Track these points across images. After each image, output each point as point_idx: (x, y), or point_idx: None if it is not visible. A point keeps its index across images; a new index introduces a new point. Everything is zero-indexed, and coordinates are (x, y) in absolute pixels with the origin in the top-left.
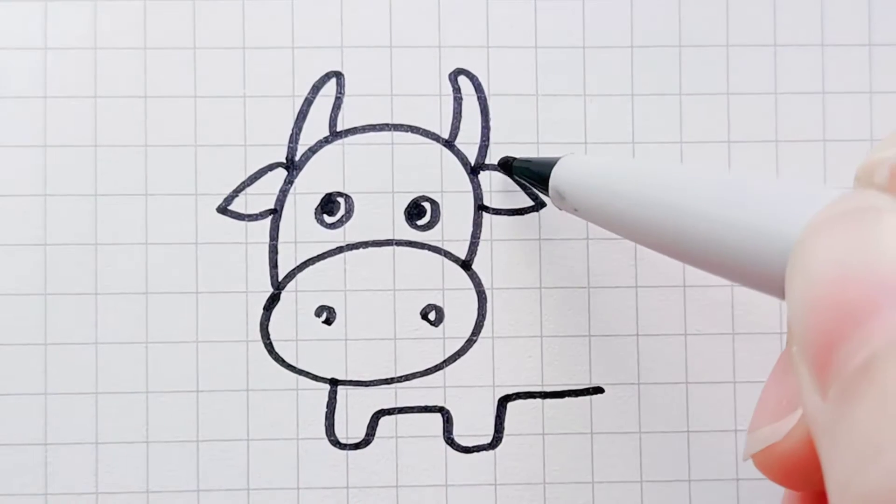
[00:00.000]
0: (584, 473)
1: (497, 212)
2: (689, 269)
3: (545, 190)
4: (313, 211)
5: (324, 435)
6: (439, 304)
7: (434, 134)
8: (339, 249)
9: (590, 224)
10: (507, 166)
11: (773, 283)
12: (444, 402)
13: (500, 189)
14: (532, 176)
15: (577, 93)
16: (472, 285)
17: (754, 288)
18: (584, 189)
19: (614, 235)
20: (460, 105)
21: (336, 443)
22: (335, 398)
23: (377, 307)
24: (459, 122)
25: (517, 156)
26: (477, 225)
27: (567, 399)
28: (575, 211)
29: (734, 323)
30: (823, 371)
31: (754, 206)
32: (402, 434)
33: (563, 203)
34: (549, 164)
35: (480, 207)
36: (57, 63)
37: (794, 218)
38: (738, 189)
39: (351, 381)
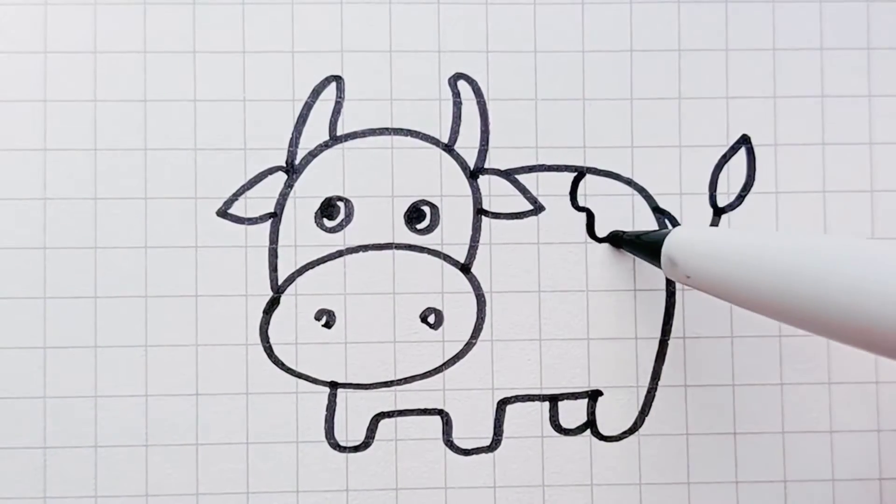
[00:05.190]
0: (582, 476)
1: (496, 216)
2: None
3: (656, 260)
4: (313, 215)
5: (323, 438)
6: (439, 307)
7: (433, 138)
8: (339, 253)
9: (588, 227)
10: (617, 239)
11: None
12: (444, 404)
13: (499, 193)
14: (643, 246)
15: (576, 97)
16: (471, 289)
17: (876, 351)
18: (697, 255)
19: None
20: (460, 109)
21: (336, 445)
22: (335, 401)
23: (377, 310)
24: (459, 126)
25: (624, 229)
26: (476, 229)
27: (566, 402)
28: (687, 278)
29: (732, 326)
30: None
31: (875, 268)
32: (402, 437)
33: (674, 270)
34: (661, 235)
35: (479, 211)
36: (57, 67)
37: None
38: (856, 252)
39: (351, 384)
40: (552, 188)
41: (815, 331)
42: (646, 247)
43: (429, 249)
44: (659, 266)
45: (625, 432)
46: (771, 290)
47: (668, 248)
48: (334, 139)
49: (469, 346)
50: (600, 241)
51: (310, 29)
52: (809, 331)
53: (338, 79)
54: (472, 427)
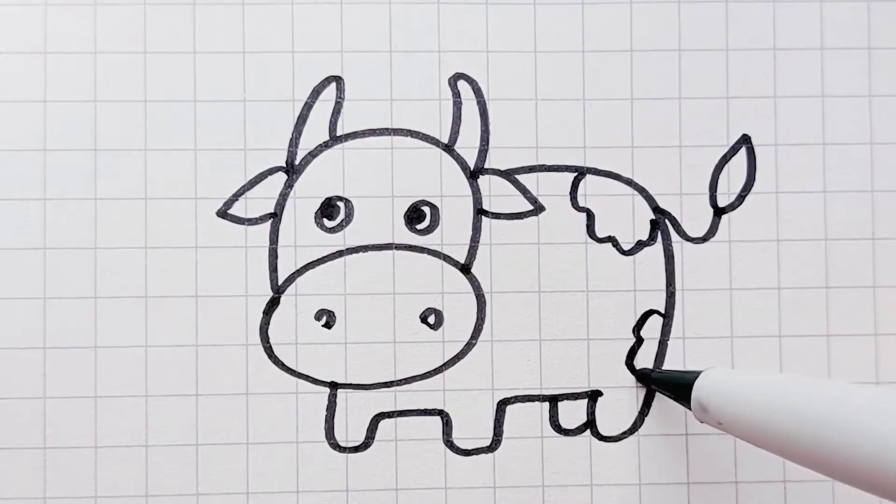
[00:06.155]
0: (582, 476)
1: (496, 216)
2: (682, 274)
3: (684, 401)
4: (313, 215)
5: (323, 438)
6: (439, 307)
7: (433, 138)
8: (339, 253)
9: (588, 227)
10: (646, 377)
11: None
12: (444, 405)
13: (499, 193)
14: (671, 388)
15: (576, 97)
16: (471, 289)
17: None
18: (729, 402)
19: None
20: (460, 109)
21: (336, 446)
22: (335, 401)
23: (377, 311)
24: (459, 126)
25: (653, 368)
26: (476, 229)
27: (566, 402)
28: (719, 424)
29: (732, 326)
30: None
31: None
32: (402, 437)
33: (705, 415)
34: (690, 377)
35: (480, 211)
36: (57, 67)
37: None
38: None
39: (351, 385)
40: (552, 188)
41: (862, 487)
42: (675, 388)
43: (429, 250)
44: (689, 407)
45: (624, 432)
46: (814, 442)
47: (698, 392)
48: (334, 139)
49: (469, 346)
50: (600, 241)
51: (310, 29)
52: (855, 486)
53: (338, 79)
54: (472, 427)
